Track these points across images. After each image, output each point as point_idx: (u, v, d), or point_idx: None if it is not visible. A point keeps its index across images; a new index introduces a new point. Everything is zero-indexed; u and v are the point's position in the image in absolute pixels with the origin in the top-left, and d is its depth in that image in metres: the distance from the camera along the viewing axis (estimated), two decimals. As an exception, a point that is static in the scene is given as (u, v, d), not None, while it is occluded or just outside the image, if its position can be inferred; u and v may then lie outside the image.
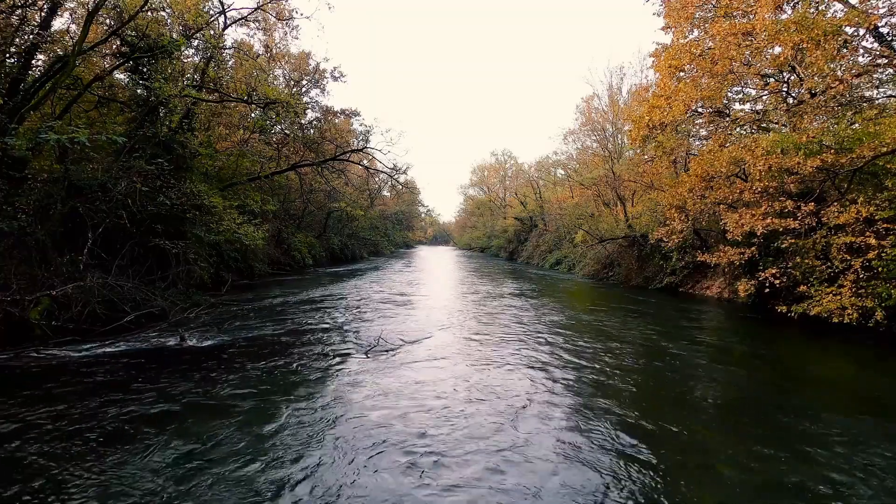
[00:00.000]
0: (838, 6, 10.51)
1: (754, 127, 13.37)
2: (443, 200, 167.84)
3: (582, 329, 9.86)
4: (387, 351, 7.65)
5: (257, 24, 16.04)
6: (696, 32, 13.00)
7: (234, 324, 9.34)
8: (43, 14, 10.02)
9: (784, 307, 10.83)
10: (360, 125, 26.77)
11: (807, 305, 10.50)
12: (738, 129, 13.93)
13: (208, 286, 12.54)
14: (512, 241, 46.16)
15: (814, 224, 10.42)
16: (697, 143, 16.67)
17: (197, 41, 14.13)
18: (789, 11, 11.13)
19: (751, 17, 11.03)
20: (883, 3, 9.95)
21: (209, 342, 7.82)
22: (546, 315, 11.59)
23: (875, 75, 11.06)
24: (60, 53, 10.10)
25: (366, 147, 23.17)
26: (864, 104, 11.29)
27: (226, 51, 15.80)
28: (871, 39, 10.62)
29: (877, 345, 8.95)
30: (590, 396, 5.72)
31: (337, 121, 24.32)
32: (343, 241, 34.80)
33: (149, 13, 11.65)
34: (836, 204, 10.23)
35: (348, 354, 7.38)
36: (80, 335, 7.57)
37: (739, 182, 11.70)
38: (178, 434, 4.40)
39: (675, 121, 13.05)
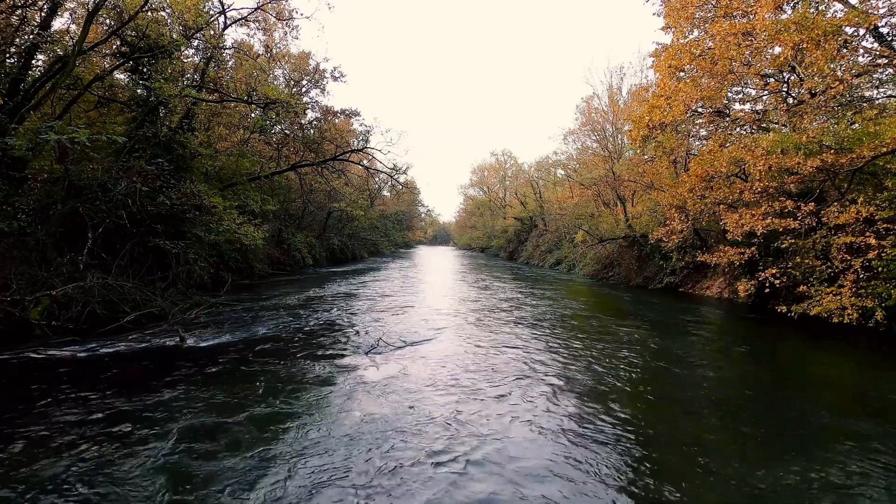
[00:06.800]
0: (838, 6, 10.51)
1: (754, 127, 13.36)
2: (443, 200, 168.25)
3: (582, 329, 9.86)
4: (387, 351, 7.65)
5: (257, 24, 16.05)
6: (696, 32, 12.99)
7: (233, 324, 9.33)
8: (43, 14, 10.03)
9: (784, 307, 10.83)
10: (360, 125, 26.80)
11: (807, 305, 10.50)
12: (738, 129, 13.93)
13: (208, 286, 12.54)
14: (512, 241, 46.13)
15: (814, 224, 10.41)
16: (697, 143, 16.66)
17: (197, 41, 14.13)
18: (789, 11, 11.13)
19: (751, 17, 11.03)
20: (883, 3, 9.95)
21: (209, 342, 7.82)
22: (546, 315, 11.58)
23: (875, 75, 11.06)
24: (60, 53, 10.10)
25: (366, 147, 23.18)
26: (864, 104, 11.29)
27: (226, 51, 15.81)
28: (871, 39, 10.61)
29: (877, 345, 8.95)
30: (589, 396, 5.71)
31: (337, 121, 24.30)
32: (343, 241, 34.78)
33: (149, 13, 11.66)
34: (836, 204, 10.23)
35: (349, 355, 7.38)
36: (79, 335, 7.57)
37: (739, 182, 11.70)
38: (178, 433, 4.39)
39: (675, 121, 13.05)
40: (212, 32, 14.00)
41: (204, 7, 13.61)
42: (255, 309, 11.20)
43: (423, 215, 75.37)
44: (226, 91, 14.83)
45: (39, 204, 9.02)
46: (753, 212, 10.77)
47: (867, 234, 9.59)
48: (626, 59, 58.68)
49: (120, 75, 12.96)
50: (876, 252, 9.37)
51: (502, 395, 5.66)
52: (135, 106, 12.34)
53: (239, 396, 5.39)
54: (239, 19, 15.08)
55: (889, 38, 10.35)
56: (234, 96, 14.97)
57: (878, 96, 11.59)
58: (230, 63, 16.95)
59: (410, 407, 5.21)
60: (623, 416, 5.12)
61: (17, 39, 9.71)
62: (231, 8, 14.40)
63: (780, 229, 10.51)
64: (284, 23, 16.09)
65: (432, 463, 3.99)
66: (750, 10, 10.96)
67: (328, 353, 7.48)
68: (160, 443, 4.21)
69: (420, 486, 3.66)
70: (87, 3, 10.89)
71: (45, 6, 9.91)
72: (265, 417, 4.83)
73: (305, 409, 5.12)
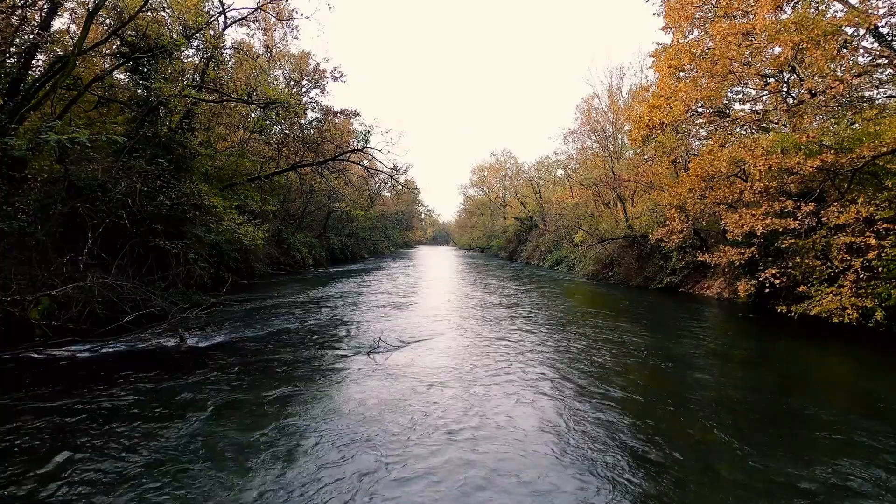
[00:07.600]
0: (838, 6, 10.51)
1: (754, 127, 13.36)
2: (443, 200, 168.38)
3: (581, 329, 9.85)
4: (387, 352, 7.65)
5: (257, 24, 16.04)
6: (696, 32, 13.01)
7: (234, 324, 9.33)
8: (43, 14, 10.01)
9: (784, 307, 10.82)
10: (360, 125, 26.86)
11: (807, 305, 10.49)
12: (738, 129, 13.93)
13: (208, 286, 12.53)
14: (512, 241, 46.14)
15: (814, 224, 10.41)
16: (697, 143, 16.67)
17: (197, 41, 14.12)
18: (789, 11, 11.13)
19: (751, 17, 11.03)
20: (883, 3, 9.97)
21: (209, 342, 7.82)
22: (545, 315, 11.58)
23: (875, 75, 11.06)
24: (60, 53, 10.09)
25: (366, 147, 23.15)
26: (864, 104, 11.28)
27: (226, 51, 15.79)
28: (871, 39, 10.62)
29: (877, 345, 8.95)
30: (589, 396, 5.71)
31: (337, 121, 24.29)
32: (343, 241, 34.79)
33: (149, 13, 11.63)
34: (836, 204, 10.22)
35: (349, 355, 7.38)
36: (79, 335, 7.56)
37: (739, 182, 11.70)
38: (178, 434, 4.39)
39: (675, 121, 13.05)
40: (212, 32, 13.98)
41: (204, 7, 13.60)
42: (255, 309, 11.20)
43: (422, 215, 75.35)
44: (226, 91, 14.81)
45: (39, 204, 9.01)
46: (753, 212, 10.77)
47: (867, 234, 9.59)
48: (626, 59, 58.86)
49: (120, 75, 12.94)
50: (876, 252, 9.36)
51: (501, 393, 5.66)
52: (135, 106, 12.32)
53: (239, 396, 5.39)
54: (239, 19, 15.08)
55: (889, 38, 10.35)
56: (234, 96, 14.95)
57: (878, 96, 11.60)
58: (230, 63, 16.93)
59: (412, 405, 5.22)
60: (621, 414, 5.12)
61: (17, 39, 9.69)
62: (231, 8, 14.41)
63: (780, 229, 10.51)
64: (284, 23, 16.08)
65: (432, 460, 4.00)
66: (750, 10, 10.96)
67: (328, 352, 7.49)
68: (159, 442, 4.21)
69: (422, 482, 3.68)
70: (87, 3, 10.88)
71: (45, 6, 9.89)
72: (265, 417, 4.82)
73: (305, 408, 5.12)
